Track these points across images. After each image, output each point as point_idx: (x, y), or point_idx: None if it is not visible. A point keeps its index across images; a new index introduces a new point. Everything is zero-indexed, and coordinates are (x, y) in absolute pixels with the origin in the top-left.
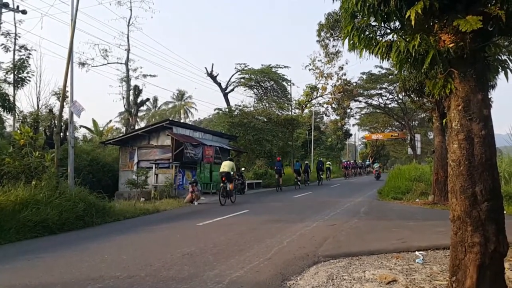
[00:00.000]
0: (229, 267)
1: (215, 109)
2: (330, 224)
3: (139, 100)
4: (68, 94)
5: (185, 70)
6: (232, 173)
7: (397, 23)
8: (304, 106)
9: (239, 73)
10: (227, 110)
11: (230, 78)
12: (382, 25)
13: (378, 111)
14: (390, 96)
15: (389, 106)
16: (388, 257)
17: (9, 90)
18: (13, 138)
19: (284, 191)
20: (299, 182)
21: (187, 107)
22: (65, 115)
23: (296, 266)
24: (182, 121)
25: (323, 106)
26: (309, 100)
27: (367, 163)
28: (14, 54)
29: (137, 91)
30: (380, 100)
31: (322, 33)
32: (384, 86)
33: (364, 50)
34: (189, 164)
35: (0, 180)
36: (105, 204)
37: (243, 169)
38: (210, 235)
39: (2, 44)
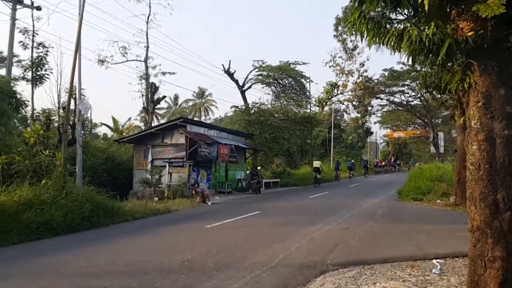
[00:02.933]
0: (228, 277)
1: (231, 107)
2: (343, 228)
3: (155, 97)
4: (76, 90)
5: (204, 68)
6: (320, 168)
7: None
8: (324, 103)
9: (256, 70)
10: (243, 107)
11: (248, 75)
12: (393, 12)
13: (400, 108)
14: (413, 93)
15: (412, 103)
16: (402, 266)
17: (27, 87)
18: (23, 136)
19: (303, 189)
20: (351, 176)
21: (207, 105)
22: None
23: (301, 276)
24: (202, 119)
25: (343, 104)
26: (329, 97)
27: (397, 162)
28: (32, 51)
29: (154, 88)
30: (402, 98)
31: (340, 28)
32: (406, 83)
33: (373, 39)
34: (204, 162)
35: (10, 179)
36: (113, 204)
37: (259, 167)
38: (216, 239)
39: (21, 42)
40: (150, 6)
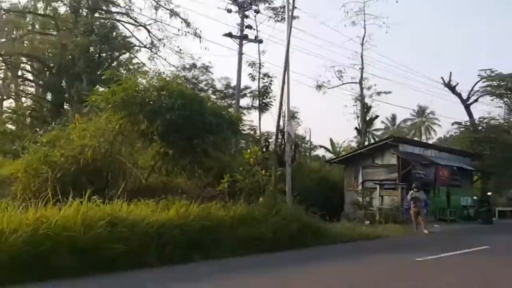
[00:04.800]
0: None
1: (452, 124)
2: None
3: (367, 118)
4: (285, 115)
5: (423, 84)
6: None
7: None
8: None
9: (483, 80)
10: (468, 124)
11: (473, 87)
12: None
13: None
14: None
15: None
16: None
17: (256, 113)
18: (243, 157)
19: None
20: None
21: (428, 123)
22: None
23: None
24: (423, 138)
25: None
26: None
27: None
28: (259, 81)
29: (366, 108)
30: None
31: None
32: None
33: None
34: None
35: (234, 196)
36: (320, 225)
37: (490, 193)
38: (426, 276)
39: (249, 74)
40: (365, 28)
